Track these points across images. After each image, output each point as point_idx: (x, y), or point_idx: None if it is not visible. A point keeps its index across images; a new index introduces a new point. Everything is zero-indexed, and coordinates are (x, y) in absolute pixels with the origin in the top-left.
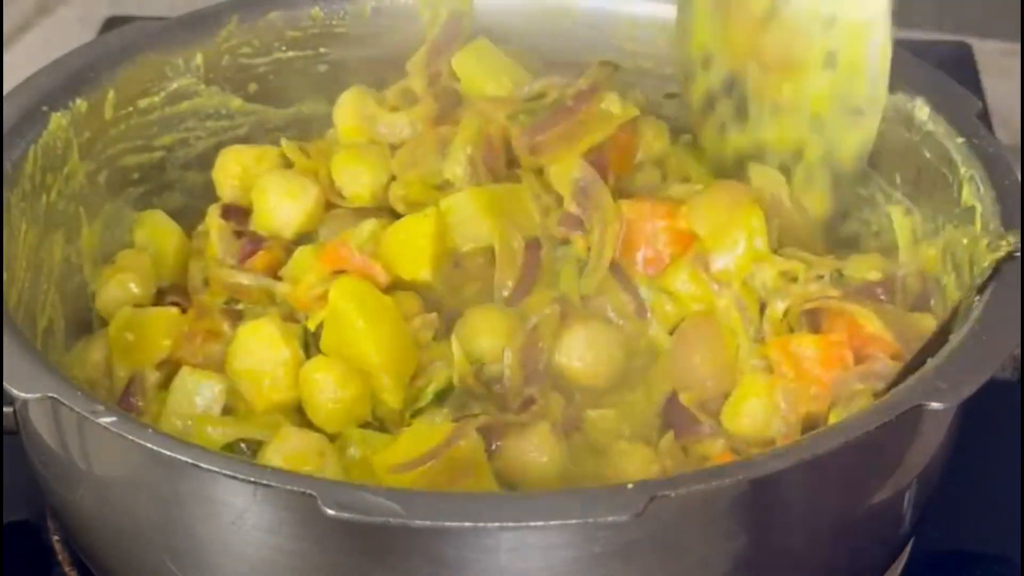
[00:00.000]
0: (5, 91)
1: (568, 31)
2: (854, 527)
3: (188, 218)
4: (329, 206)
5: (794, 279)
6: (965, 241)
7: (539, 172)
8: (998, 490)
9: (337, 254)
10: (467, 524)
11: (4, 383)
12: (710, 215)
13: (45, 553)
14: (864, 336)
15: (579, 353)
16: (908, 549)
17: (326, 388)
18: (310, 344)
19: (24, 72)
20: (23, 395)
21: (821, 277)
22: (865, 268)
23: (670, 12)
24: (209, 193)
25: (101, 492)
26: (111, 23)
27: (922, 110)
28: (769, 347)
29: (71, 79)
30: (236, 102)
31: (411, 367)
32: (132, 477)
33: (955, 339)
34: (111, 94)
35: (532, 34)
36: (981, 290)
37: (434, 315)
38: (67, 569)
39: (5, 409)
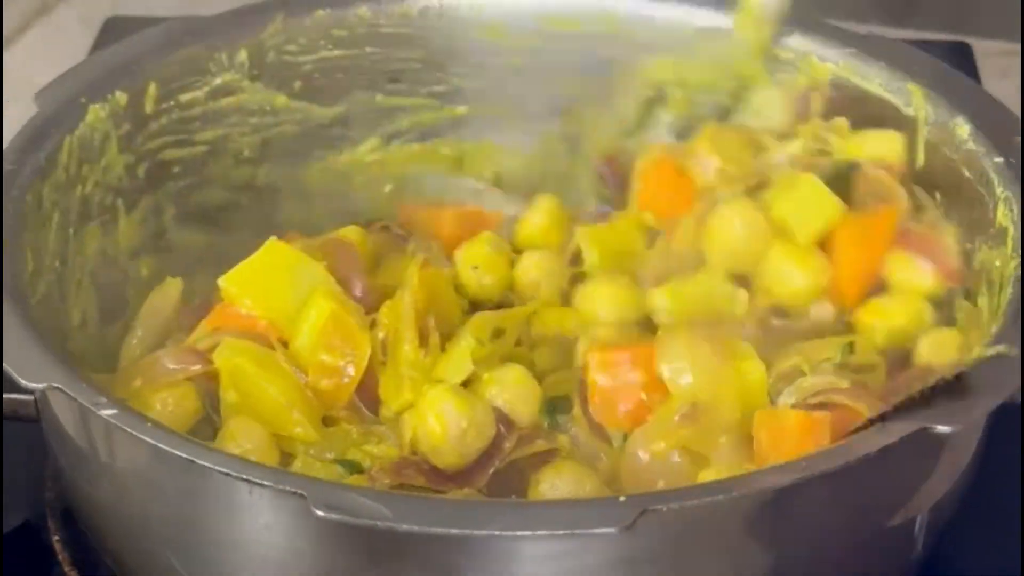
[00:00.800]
0: (5, 91)
1: (574, 35)
2: (857, 549)
3: (228, 213)
4: None
5: (803, 373)
6: (998, 263)
7: None
8: (1001, 514)
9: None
10: (454, 531)
11: (11, 372)
12: (697, 372)
13: (45, 553)
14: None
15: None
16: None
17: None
18: None
19: (24, 72)
20: (29, 385)
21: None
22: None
23: (669, 12)
24: (251, 189)
25: (111, 481)
26: (111, 23)
27: (963, 128)
28: (755, 418)
29: (112, 72)
30: (281, 99)
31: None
32: (134, 469)
33: (966, 361)
34: (152, 87)
35: (536, 37)
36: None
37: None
38: (67, 569)
39: (25, 397)
